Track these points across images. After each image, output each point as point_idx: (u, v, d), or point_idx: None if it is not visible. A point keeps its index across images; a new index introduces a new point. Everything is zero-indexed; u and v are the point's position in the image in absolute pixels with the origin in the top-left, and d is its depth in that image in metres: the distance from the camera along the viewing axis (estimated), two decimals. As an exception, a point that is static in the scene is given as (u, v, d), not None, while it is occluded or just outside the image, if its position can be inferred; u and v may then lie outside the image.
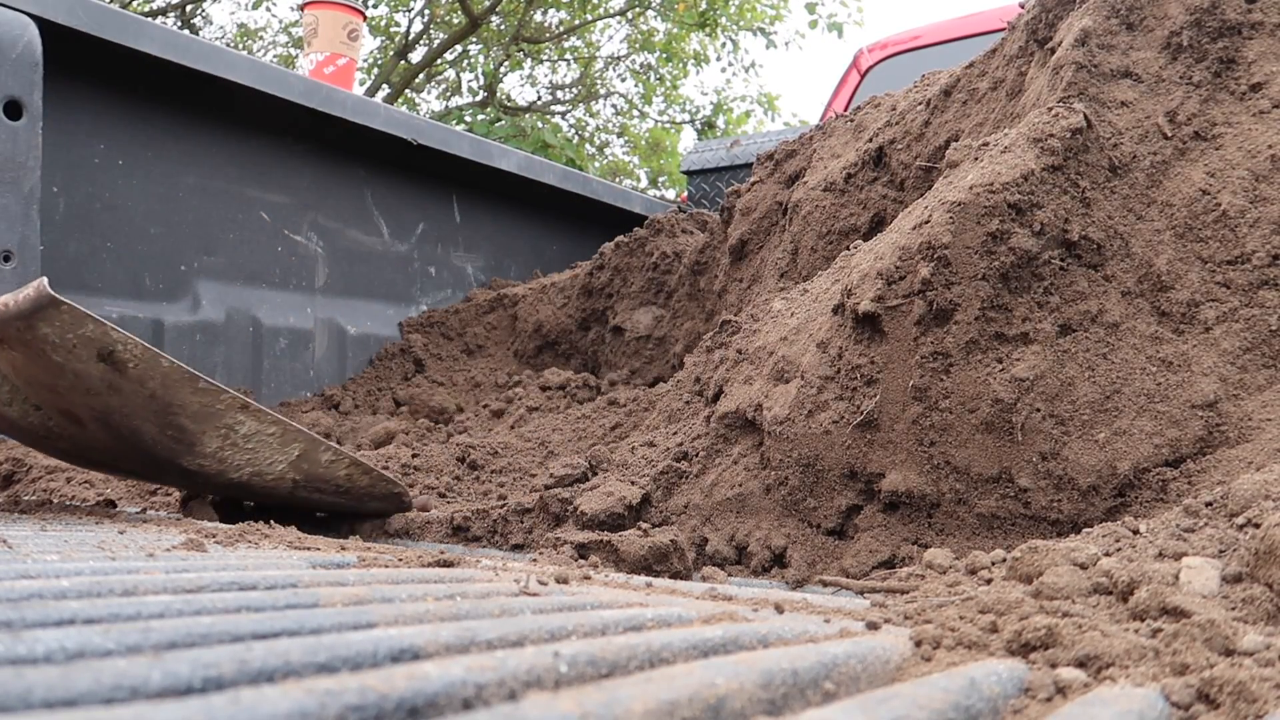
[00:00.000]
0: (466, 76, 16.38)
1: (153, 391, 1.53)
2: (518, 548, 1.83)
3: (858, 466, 1.58)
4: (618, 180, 15.23)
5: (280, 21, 18.71)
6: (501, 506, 1.89)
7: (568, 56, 16.61)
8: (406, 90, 14.93)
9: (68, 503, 2.08)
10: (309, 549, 1.36)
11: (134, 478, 2.01)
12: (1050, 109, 1.61)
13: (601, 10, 15.31)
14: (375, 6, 14.82)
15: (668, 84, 16.40)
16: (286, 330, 3.66)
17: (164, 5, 14.37)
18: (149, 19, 3.43)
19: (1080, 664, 0.76)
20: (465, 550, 1.83)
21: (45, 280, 1.40)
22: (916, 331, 1.52)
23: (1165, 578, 0.91)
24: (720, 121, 15.88)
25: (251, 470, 1.69)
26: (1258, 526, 0.96)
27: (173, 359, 1.54)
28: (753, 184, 3.23)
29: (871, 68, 5.62)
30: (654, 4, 14.71)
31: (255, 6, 15.59)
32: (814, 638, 0.82)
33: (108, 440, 1.70)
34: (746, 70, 22.08)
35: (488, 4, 13.41)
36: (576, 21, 15.43)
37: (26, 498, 2.14)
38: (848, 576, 1.50)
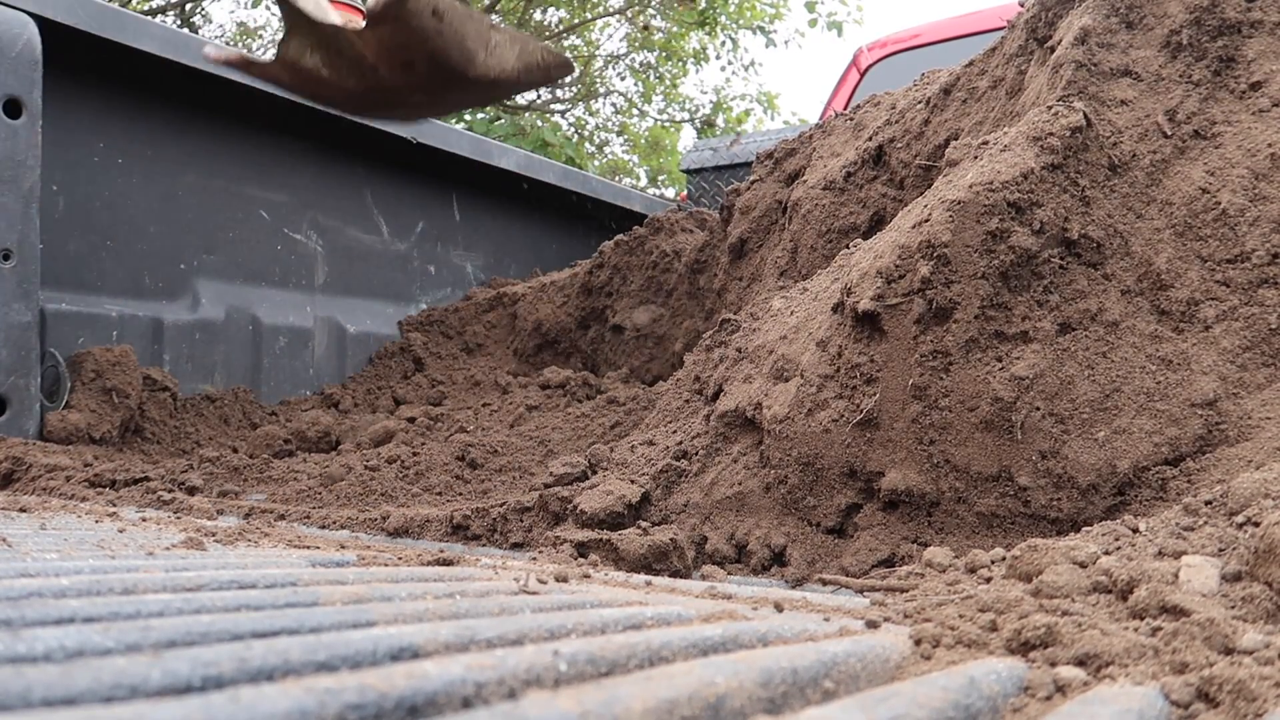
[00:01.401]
0: (466, 75, 16.35)
1: (455, 27, 2.16)
2: (517, 546, 1.83)
3: (857, 465, 1.58)
4: (617, 179, 15.21)
5: (280, 20, 18.70)
6: (501, 505, 1.89)
7: (567, 55, 16.58)
8: (406, 89, 14.90)
9: (67, 501, 2.08)
10: (308, 547, 1.36)
11: (416, 112, 2.73)
12: (1050, 107, 1.61)
13: (601, 9, 15.31)
14: (375, 5, 14.79)
15: (667, 82, 16.40)
16: (286, 329, 3.66)
17: (163, 4, 14.36)
18: (148, 17, 3.43)
19: (1080, 662, 0.76)
20: (465, 549, 1.83)
21: None
22: (916, 330, 1.52)
23: (1165, 576, 0.91)
24: (720, 120, 15.87)
25: (499, 70, 2.28)
26: (1257, 525, 0.96)
27: (465, 6, 2.22)
28: (752, 183, 3.23)
29: (871, 66, 5.62)
30: (653, 3, 14.71)
31: (255, 5, 15.58)
32: (814, 636, 0.82)
33: (425, 78, 2.35)
34: (746, 69, 22.08)
35: (487, 3, 13.40)
36: (576, 20, 15.43)
37: (26, 496, 2.15)
38: (847, 575, 1.50)
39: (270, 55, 2.29)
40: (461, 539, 1.89)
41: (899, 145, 2.53)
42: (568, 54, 3.11)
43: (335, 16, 2.21)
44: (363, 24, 2.17)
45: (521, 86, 2.46)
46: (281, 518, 2.02)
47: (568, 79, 16.51)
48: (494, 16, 14.21)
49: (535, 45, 2.41)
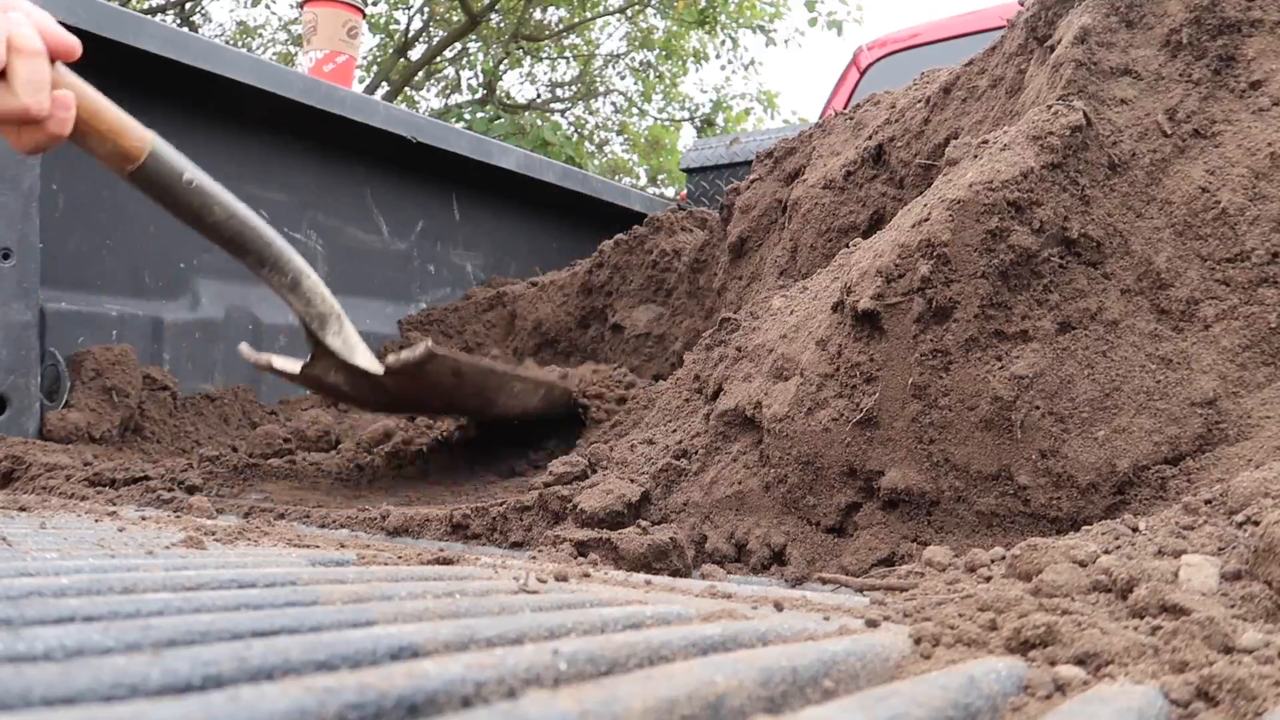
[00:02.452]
0: (466, 74, 16.38)
1: (475, 384, 2.52)
2: (517, 545, 1.83)
3: (857, 464, 1.58)
4: (617, 178, 15.21)
5: (279, 19, 18.68)
6: (500, 504, 1.89)
7: (567, 54, 16.60)
8: (406, 88, 14.93)
9: (67, 500, 2.08)
10: (308, 546, 1.36)
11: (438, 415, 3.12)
12: (1050, 106, 1.61)
13: (601, 8, 15.30)
14: (375, 4, 14.81)
15: (667, 81, 16.39)
16: (286, 328, 3.66)
17: (163, 3, 14.35)
18: (148, 16, 3.43)
19: (1079, 661, 0.76)
20: (464, 548, 1.83)
21: (430, 341, 2.28)
22: (916, 329, 1.52)
23: (1164, 575, 0.91)
24: (720, 119, 15.87)
25: (520, 409, 2.71)
26: (1257, 524, 0.96)
27: (489, 363, 2.72)
28: (752, 182, 3.23)
29: (871, 65, 5.61)
30: (653, 1, 14.70)
31: (254, 4, 15.59)
32: (813, 635, 0.82)
33: (443, 408, 2.83)
34: (746, 68, 22.07)
35: (487, 1, 13.39)
36: (576, 19, 15.42)
37: (26, 495, 2.14)
38: (847, 574, 1.50)
39: (295, 366, 2.42)
40: (461, 538, 1.89)
41: (899, 144, 2.52)
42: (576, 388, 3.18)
43: (363, 359, 2.33)
44: (384, 362, 2.30)
45: (540, 416, 2.84)
46: (281, 516, 2.02)
47: (570, 83, 16.55)
48: (493, 15, 14.22)
49: (560, 388, 2.79)
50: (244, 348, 2.43)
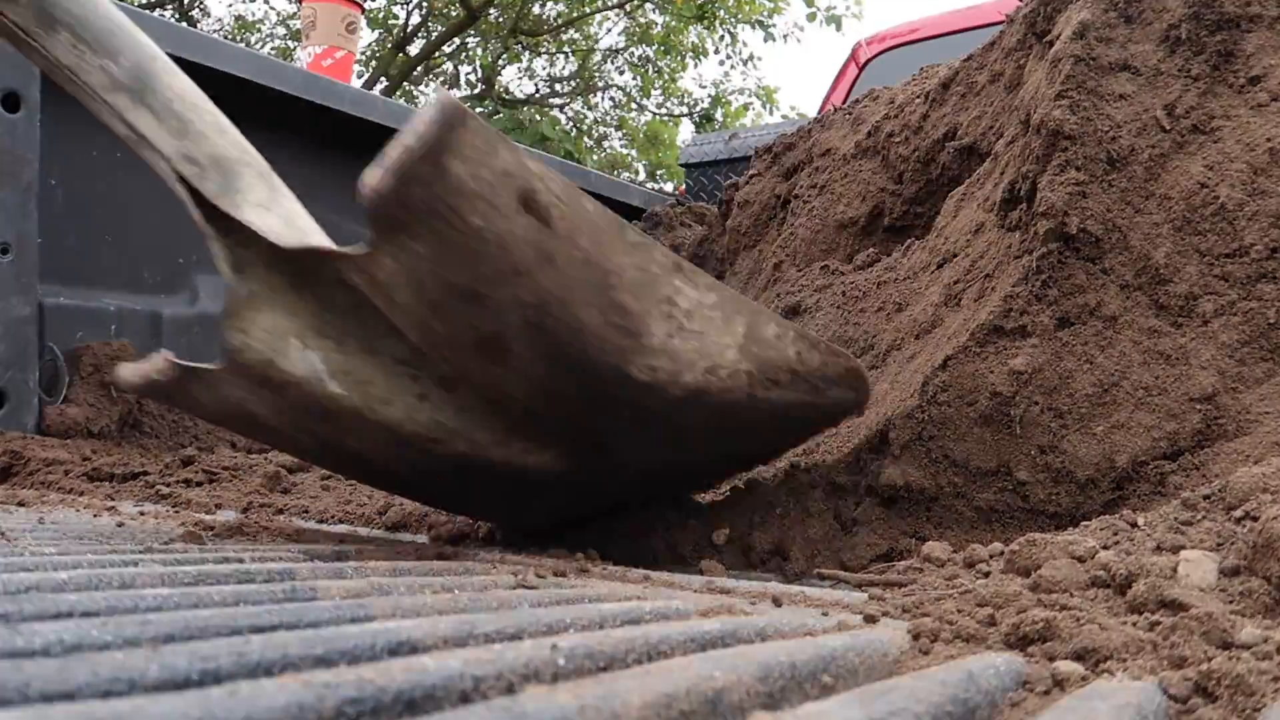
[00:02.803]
0: (464, 69, 16.35)
1: (585, 254, 1.16)
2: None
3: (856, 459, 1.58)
4: (616, 173, 15.20)
5: (278, 14, 18.64)
6: (500, 500, 1.89)
7: (566, 49, 16.57)
8: (405, 83, 14.91)
9: (66, 495, 2.08)
10: (306, 542, 1.36)
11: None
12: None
13: (599, 3, 15.28)
14: (373, -1, 14.78)
15: (666, 77, 16.37)
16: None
17: (161, -3, 14.32)
18: (147, 11, 3.42)
19: (1078, 657, 0.76)
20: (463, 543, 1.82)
21: (450, 93, 1.17)
22: (915, 325, 1.52)
23: (1163, 571, 0.91)
24: (718, 114, 15.85)
25: (705, 365, 1.24)
26: (1256, 520, 0.96)
27: (592, 201, 1.22)
28: (751, 177, 3.22)
29: (870, 61, 5.60)
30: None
31: (253, -1, 15.53)
32: (812, 631, 0.82)
33: (539, 372, 1.22)
34: (745, 63, 22.02)
35: (485, -3, 13.37)
36: (574, 14, 15.39)
37: (24, 490, 2.14)
38: (846, 570, 1.50)
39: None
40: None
41: (897, 139, 2.52)
42: (849, 354, 1.65)
43: (317, 238, 1.43)
44: None
45: (767, 420, 1.30)
46: (279, 512, 2.02)
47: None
48: (491, 10, 14.23)
49: (783, 329, 1.29)
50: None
